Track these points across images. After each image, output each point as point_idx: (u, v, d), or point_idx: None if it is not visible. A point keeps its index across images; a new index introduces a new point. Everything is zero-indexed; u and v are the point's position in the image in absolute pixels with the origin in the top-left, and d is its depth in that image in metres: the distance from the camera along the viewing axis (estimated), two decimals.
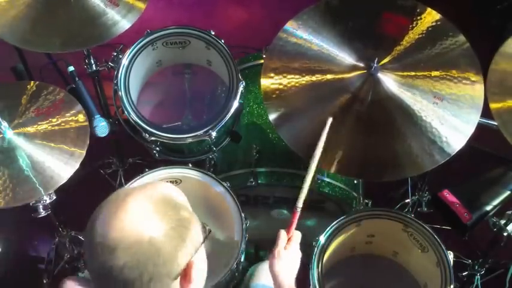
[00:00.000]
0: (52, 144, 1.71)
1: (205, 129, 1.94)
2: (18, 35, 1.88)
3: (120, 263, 0.96)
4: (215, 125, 1.94)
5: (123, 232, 0.97)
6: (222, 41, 2.06)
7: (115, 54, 2.09)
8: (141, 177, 1.88)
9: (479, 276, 2.21)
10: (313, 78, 1.77)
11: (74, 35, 1.90)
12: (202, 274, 1.10)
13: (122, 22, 1.90)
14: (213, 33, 2.07)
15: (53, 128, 1.74)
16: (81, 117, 1.78)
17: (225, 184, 1.87)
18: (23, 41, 1.90)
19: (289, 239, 1.53)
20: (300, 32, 1.83)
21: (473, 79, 1.71)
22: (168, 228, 1.00)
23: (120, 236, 0.97)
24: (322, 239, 1.78)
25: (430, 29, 1.79)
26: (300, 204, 1.55)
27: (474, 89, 1.70)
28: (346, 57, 1.79)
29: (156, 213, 1.00)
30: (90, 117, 1.87)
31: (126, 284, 0.97)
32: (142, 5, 1.94)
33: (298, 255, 1.53)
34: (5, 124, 1.68)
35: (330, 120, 1.64)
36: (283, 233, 1.52)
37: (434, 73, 1.73)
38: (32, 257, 2.59)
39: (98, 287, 1.02)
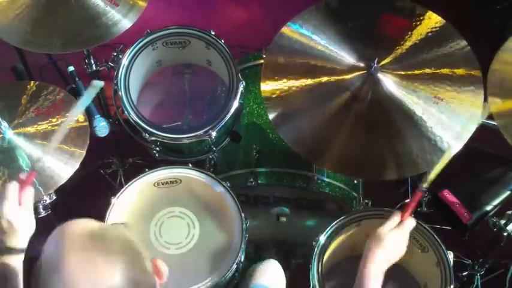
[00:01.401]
0: None
1: (205, 129, 1.93)
2: (18, 36, 1.88)
3: None
4: (215, 125, 1.94)
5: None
6: (222, 41, 2.06)
7: (115, 54, 2.09)
8: (141, 177, 1.88)
9: (479, 276, 2.21)
10: (313, 78, 1.77)
11: (75, 35, 1.90)
12: (164, 266, 1.07)
13: (122, 22, 1.90)
14: (213, 33, 2.07)
15: (53, 128, 1.74)
16: (81, 117, 1.78)
17: (225, 184, 1.87)
18: (24, 42, 1.90)
19: (400, 222, 1.39)
20: (300, 32, 1.83)
21: (473, 80, 1.71)
22: (121, 257, 0.95)
23: None
24: (322, 239, 1.78)
25: (430, 30, 1.79)
26: (425, 185, 1.41)
27: (474, 90, 1.70)
28: (346, 57, 1.79)
29: (100, 253, 0.95)
30: (90, 117, 1.87)
31: None
32: (142, 4, 1.94)
33: (404, 243, 1.39)
34: (5, 124, 1.68)
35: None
36: (396, 214, 1.39)
37: (434, 74, 1.73)
38: (32, 257, 2.59)
39: None
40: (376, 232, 1.37)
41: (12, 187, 1.36)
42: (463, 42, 1.77)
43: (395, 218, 1.40)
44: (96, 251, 0.95)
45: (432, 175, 1.39)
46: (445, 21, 1.81)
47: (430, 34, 1.79)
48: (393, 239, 1.37)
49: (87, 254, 0.95)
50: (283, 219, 2.18)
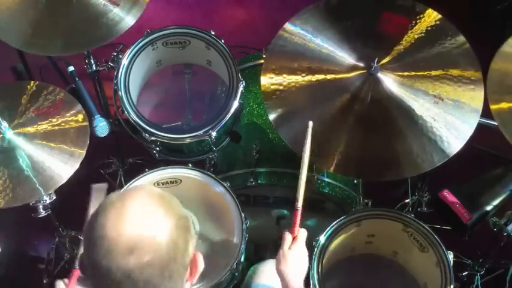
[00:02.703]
0: (52, 144, 1.71)
1: (205, 129, 1.93)
2: (20, 38, 1.88)
3: (141, 262, 0.95)
4: (215, 125, 1.94)
5: (140, 230, 0.96)
6: (222, 41, 2.06)
7: (115, 54, 2.09)
8: (141, 177, 1.88)
9: (479, 276, 2.21)
10: (313, 78, 1.77)
11: (76, 36, 1.90)
12: (202, 262, 1.11)
13: (123, 22, 1.89)
14: (213, 33, 2.07)
15: (53, 128, 1.74)
16: (81, 117, 1.78)
17: (225, 184, 1.87)
18: (25, 44, 1.90)
19: (294, 239, 1.50)
20: (299, 32, 1.83)
21: (473, 79, 1.72)
22: (175, 221, 1.00)
23: (137, 234, 0.95)
24: (322, 239, 1.78)
25: (429, 28, 1.79)
26: (299, 204, 1.53)
27: (474, 89, 1.70)
28: (346, 57, 1.79)
29: (161, 207, 1.00)
30: (90, 117, 1.87)
31: (146, 283, 0.96)
32: (143, 3, 1.93)
33: (305, 254, 1.50)
34: (5, 124, 1.68)
35: (310, 124, 1.54)
36: (287, 234, 1.50)
37: (434, 73, 1.73)
38: (32, 257, 2.59)
39: None
40: (279, 255, 1.47)
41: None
42: (463, 40, 1.77)
43: (287, 236, 1.50)
44: (159, 205, 1.01)
45: (301, 192, 1.52)
46: (444, 18, 1.80)
47: (429, 32, 1.78)
48: (295, 253, 1.47)
49: (152, 202, 1.01)
50: (283, 221, 2.18)
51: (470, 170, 2.01)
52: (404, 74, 1.74)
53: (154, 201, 1.01)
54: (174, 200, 1.07)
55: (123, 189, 1.07)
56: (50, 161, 1.69)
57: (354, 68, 1.76)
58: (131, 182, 1.87)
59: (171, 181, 1.90)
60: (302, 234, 1.51)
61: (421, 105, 1.69)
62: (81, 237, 2.27)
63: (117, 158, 2.60)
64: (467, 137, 1.65)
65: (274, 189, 2.10)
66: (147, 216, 0.98)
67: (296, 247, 1.48)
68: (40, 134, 1.73)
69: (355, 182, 2.15)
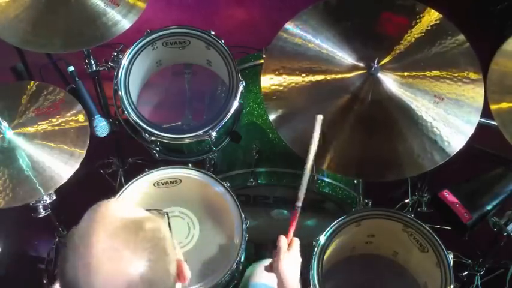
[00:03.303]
0: (52, 144, 1.71)
1: (205, 129, 1.93)
2: (18, 36, 1.88)
3: None
4: (215, 125, 1.94)
5: (111, 282, 0.91)
6: (222, 41, 2.06)
7: (115, 54, 2.09)
8: (141, 177, 1.88)
9: (479, 276, 2.21)
10: (313, 78, 1.77)
11: (75, 35, 1.90)
12: (188, 271, 1.08)
13: (122, 22, 1.89)
14: (213, 33, 2.07)
15: (53, 128, 1.74)
16: (81, 117, 1.78)
17: (225, 184, 1.87)
18: (24, 42, 1.90)
19: (289, 245, 1.54)
20: (299, 32, 1.83)
21: (473, 78, 1.71)
22: (147, 257, 0.94)
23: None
24: (322, 239, 1.78)
25: (429, 28, 1.79)
26: (299, 204, 1.56)
27: (474, 88, 1.70)
28: (346, 57, 1.79)
29: (129, 246, 0.93)
30: (90, 117, 1.87)
31: None
32: (142, 5, 1.94)
33: (299, 259, 1.54)
34: (5, 124, 1.68)
35: (319, 117, 1.60)
36: (282, 238, 1.54)
37: (435, 72, 1.73)
38: (32, 257, 2.59)
39: None
40: (277, 254, 1.51)
41: None
42: (463, 39, 1.76)
43: (283, 239, 1.53)
44: (125, 242, 0.94)
45: (301, 193, 1.57)
46: (444, 17, 1.80)
47: (429, 31, 1.78)
48: (291, 254, 1.53)
49: (115, 242, 0.93)
50: (283, 221, 2.18)
51: (470, 170, 2.01)
52: (404, 74, 1.74)
53: (119, 239, 0.93)
54: (139, 220, 0.98)
55: (87, 216, 0.98)
56: (50, 161, 1.69)
57: (353, 68, 1.76)
58: (131, 182, 1.87)
59: (171, 181, 1.90)
60: (296, 243, 1.55)
61: (421, 105, 1.69)
62: None
63: (117, 158, 2.60)
64: (468, 136, 1.65)
65: (274, 189, 2.10)
66: (116, 265, 0.92)
67: (292, 250, 1.53)
68: (40, 134, 1.73)
69: (355, 182, 2.15)
